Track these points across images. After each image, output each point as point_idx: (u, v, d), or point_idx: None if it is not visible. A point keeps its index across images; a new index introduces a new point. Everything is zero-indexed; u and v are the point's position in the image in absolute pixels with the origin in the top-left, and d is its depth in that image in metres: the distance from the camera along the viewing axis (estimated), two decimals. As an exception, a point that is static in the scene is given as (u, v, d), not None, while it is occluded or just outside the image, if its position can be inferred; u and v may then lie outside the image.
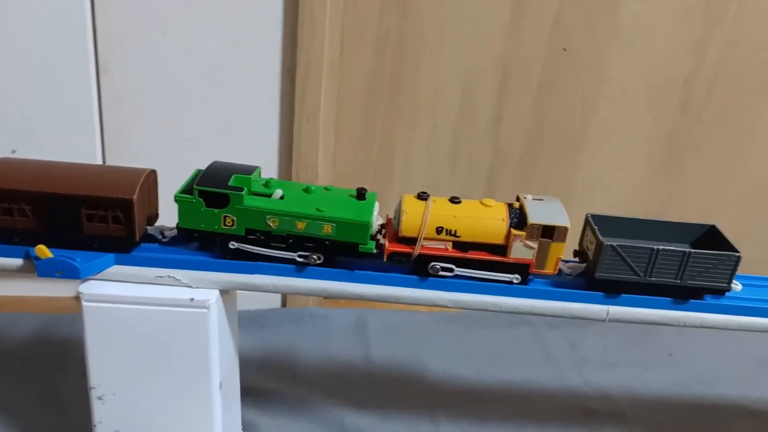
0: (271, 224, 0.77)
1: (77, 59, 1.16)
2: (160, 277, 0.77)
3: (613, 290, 0.82)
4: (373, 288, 0.79)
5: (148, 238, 0.80)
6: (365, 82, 1.33)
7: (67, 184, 0.73)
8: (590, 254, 0.82)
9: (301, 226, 0.77)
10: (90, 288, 0.76)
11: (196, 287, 0.77)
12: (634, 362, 1.36)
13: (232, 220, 0.77)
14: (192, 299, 0.76)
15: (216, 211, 0.76)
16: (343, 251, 0.79)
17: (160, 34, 1.18)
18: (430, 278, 0.80)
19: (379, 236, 0.81)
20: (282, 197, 0.78)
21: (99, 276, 0.77)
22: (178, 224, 0.77)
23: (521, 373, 1.30)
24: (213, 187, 0.75)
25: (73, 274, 0.74)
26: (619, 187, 1.48)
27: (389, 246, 0.79)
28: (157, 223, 0.83)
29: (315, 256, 0.78)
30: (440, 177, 1.43)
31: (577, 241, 0.87)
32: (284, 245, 0.78)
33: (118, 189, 0.74)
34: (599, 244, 0.79)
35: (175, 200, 0.76)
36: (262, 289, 0.79)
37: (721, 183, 1.49)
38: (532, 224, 0.78)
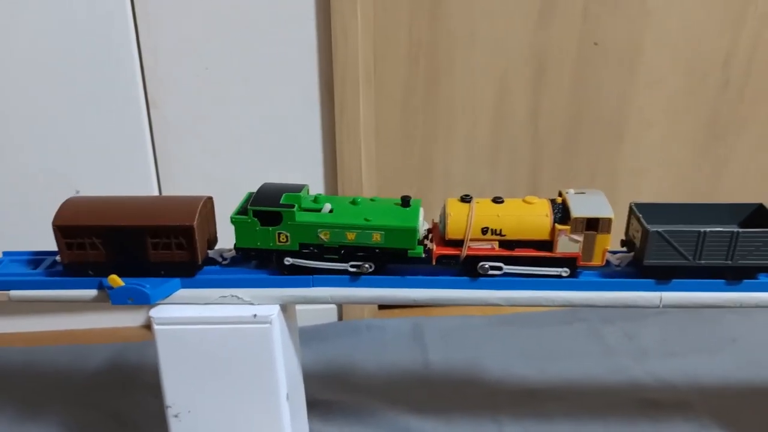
0: (322, 237, 0.81)
1: (128, 98, 1.24)
2: (224, 296, 0.81)
3: (663, 276, 0.82)
4: (425, 292, 0.82)
5: (210, 261, 0.84)
6: (401, 89, 1.36)
7: (132, 216, 0.78)
8: (637, 242, 0.83)
9: (351, 236, 0.81)
10: (160, 312, 0.80)
11: (258, 304, 0.81)
12: (696, 350, 1.35)
13: (286, 237, 0.80)
14: (255, 315, 0.80)
15: (271, 229, 0.80)
16: (393, 258, 0.82)
17: (202, 68, 1.24)
18: (481, 278, 0.82)
19: (426, 241, 0.84)
20: (331, 211, 0.82)
21: (167, 300, 0.81)
22: (235, 245, 0.81)
23: (581, 369, 1.29)
24: (266, 206, 0.79)
25: (144, 299, 0.79)
26: (663, 173, 1.47)
27: (437, 249, 0.81)
28: (216, 246, 0.87)
29: (367, 265, 0.81)
30: (482, 176, 1.45)
31: (623, 231, 0.88)
32: (337, 257, 0.82)
33: (179, 217, 0.78)
34: (645, 232, 0.80)
35: (232, 222, 0.80)
36: (320, 301, 0.82)
37: (766, 162, 1.47)
38: (576, 218, 0.79)
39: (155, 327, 0.80)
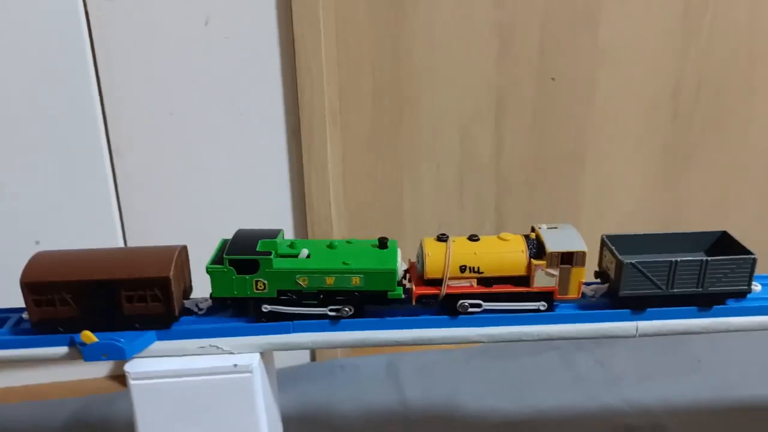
0: (301, 283, 0.80)
1: (91, 145, 1.21)
2: (202, 347, 0.79)
3: (638, 306, 0.84)
4: (407, 332, 0.82)
5: (186, 312, 0.83)
6: (367, 130, 1.37)
7: (105, 269, 0.76)
8: (611, 274, 0.85)
9: (330, 281, 0.80)
10: (136, 366, 0.78)
11: (238, 353, 0.80)
12: (667, 373, 1.37)
13: (264, 284, 0.79)
14: (235, 365, 0.78)
15: (248, 277, 0.79)
16: (372, 300, 0.81)
17: (167, 113, 1.23)
18: (460, 316, 0.82)
19: (404, 281, 0.84)
20: (308, 256, 0.81)
21: (143, 353, 0.79)
22: (211, 294, 0.80)
23: (556, 398, 1.31)
24: (242, 254, 0.78)
25: (119, 355, 0.76)
26: (624, 202, 1.51)
27: (417, 289, 0.82)
28: (192, 296, 0.85)
29: (346, 309, 0.81)
30: (450, 214, 1.46)
31: (596, 262, 0.90)
32: (316, 301, 0.81)
33: (155, 268, 0.77)
34: (619, 263, 0.81)
35: (207, 272, 0.79)
36: (301, 347, 0.81)
37: (721, 186, 1.52)
38: (551, 252, 0.81)
39: (131, 382, 0.77)
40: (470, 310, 0.82)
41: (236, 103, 1.25)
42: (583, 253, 0.81)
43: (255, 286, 0.79)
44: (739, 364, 1.39)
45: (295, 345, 0.81)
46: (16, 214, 1.23)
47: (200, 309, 0.83)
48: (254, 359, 0.79)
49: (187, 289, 0.84)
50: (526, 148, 1.43)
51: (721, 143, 1.48)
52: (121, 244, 1.27)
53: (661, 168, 1.49)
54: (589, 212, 1.51)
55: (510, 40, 1.34)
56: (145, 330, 0.79)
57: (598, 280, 0.89)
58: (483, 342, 0.83)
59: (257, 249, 0.79)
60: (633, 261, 0.80)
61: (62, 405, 1.30)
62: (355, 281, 0.80)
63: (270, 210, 1.34)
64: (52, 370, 1.39)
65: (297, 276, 0.80)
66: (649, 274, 0.82)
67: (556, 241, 0.82)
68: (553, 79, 1.38)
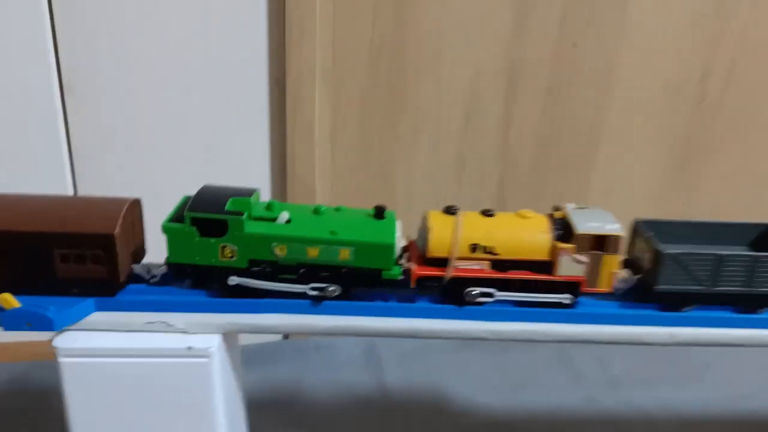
0: (278, 252, 0.66)
1: (39, 78, 1.04)
2: (151, 323, 0.66)
3: (675, 304, 0.72)
4: (402, 322, 0.68)
5: (135, 279, 0.68)
6: (360, 91, 1.23)
7: (35, 220, 0.62)
8: (644, 265, 0.72)
9: (313, 252, 0.66)
10: (67, 341, 0.64)
11: (194, 333, 0.66)
12: (670, 378, 1.27)
13: (232, 251, 0.65)
14: (190, 348, 0.65)
15: (212, 240, 0.65)
16: (363, 280, 0.67)
17: (132, 48, 1.07)
18: (467, 306, 0.69)
19: (401, 261, 0.70)
20: (288, 221, 0.67)
21: (77, 326, 0.65)
22: (167, 259, 0.66)
23: (551, 398, 1.21)
24: (208, 212, 0.64)
25: (45, 325, 0.63)
26: (636, 191, 1.41)
27: (417, 270, 0.68)
28: (144, 260, 0.71)
29: (332, 288, 0.67)
30: (446, 189, 1.34)
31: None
32: (294, 276, 0.67)
33: (97, 223, 0.63)
34: (657, 254, 0.69)
35: (163, 230, 0.65)
36: (272, 330, 0.68)
37: (744, 182, 1.41)
38: (581, 234, 0.68)
39: (60, 359, 0.64)
40: (480, 299, 0.68)
41: (213, 43, 1.10)
42: (619, 238, 0.68)
43: (221, 253, 0.65)
44: (750, 372, 1.28)
45: (266, 328, 0.67)
46: None
47: (152, 276, 0.69)
48: (213, 342, 0.65)
49: (138, 252, 0.69)
50: (536, 127, 1.32)
51: (747, 135, 1.36)
52: (70, 193, 1.11)
53: (680, 158, 1.39)
54: (599, 201, 1.38)
55: (530, 3, 1.20)
56: (84, 297, 0.64)
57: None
58: (491, 339, 0.69)
59: (226, 208, 0.65)
60: (674, 251, 0.67)
61: None
62: (344, 255, 0.66)
63: (244, 171, 1.21)
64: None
65: (273, 243, 0.66)
66: (691, 268, 0.69)
67: (586, 222, 0.69)
68: (575, 44, 1.24)
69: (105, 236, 0.62)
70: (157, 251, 0.70)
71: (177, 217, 0.66)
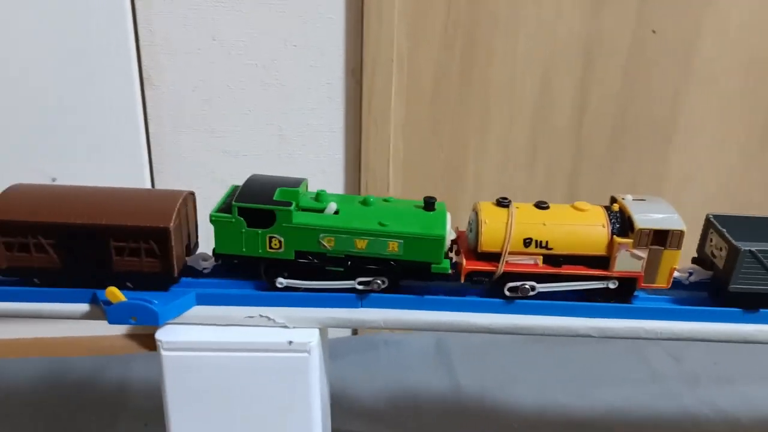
0: (326, 244, 0.65)
1: (119, 72, 1.08)
2: (251, 317, 0.66)
3: (750, 305, 0.67)
4: (452, 316, 0.67)
5: (188, 271, 0.69)
6: (433, 78, 1.21)
7: (92, 212, 0.64)
8: (718, 262, 0.67)
9: (361, 244, 0.65)
10: (170, 334, 0.65)
11: (294, 327, 0.66)
12: (753, 377, 1.18)
13: (279, 242, 0.65)
14: (290, 342, 0.64)
15: (260, 231, 0.65)
16: (411, 273, 0.66)
17: (209, 38, 1.09)
18: (518, 300, 0.66)
19: (450, 253, 0.68)
20: (337, 212, 0.66)
21: (179, 319, 0.66)
22: (214, 250, 0.66)
23: (627, 395, 1.16)
24: (255, 203, 0.64)
25: (151, 319, 0.63)
26: (711, 181, 1.33)
27: (467, 264, 0.66)
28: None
29: (379, 281, 0.66)
30: (517, 178, 1.30)
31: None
32: (342, 269, 0.66)
33: (152, 217, 0.64)
34: (734, 250, 0.64)
35: (211, 221, 0.65)
36: (370, 325, 0.67)
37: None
38: (641, 229, 0.64)
39: (163, 353, 0.64)
40: (531, 294, 0.65)
41: (290, 31, 1.10)
42: (681, 233, 0.65)
43: (268, 244, 0.65)
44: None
45: (363, 323, 0.67)
46: (33, 148, 1.10)
47: (204, 268, 0.69)
48: (313, 336, 0.65)
49: (192, 244, 0.70)
50: (611, 111, 1.26)
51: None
52: (149, 187, 1.15)
53: (758, 146, 1.30)
54: (670, 190, 1.32)
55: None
56: (139, 290, 0.66)
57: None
58: (545, 334, 0.66)
59: (274, 198, 0.65)
60: (753, 248, 0.62)
61: (72, 364, 1.19)
62: (393, 247, 0.65)
63: (317, 161, 1.20)
64: (63, 323, 1.26)
65: (321, 235, 0.65)
66: (770, 266, 0.64)
67: (647, 216, 0.65)
68: (654, 31, 1.17)
69: (160, 229, 0.63)
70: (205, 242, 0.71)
71: (225, 206, 0.66)
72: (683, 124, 1.27)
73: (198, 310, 0.66)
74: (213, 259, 0.67)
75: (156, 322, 0.64)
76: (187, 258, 0.69)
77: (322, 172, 1.22)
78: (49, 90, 1.07)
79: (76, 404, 1.10)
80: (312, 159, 1.21)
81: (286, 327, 0.66)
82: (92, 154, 1.11)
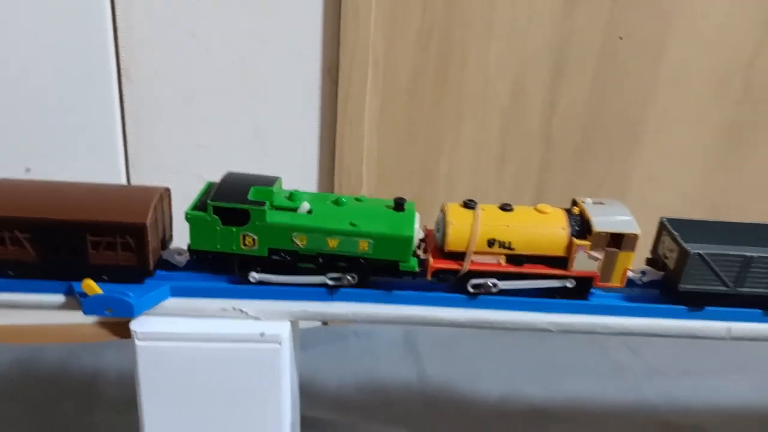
0: (298, 242, 0.68)
1: (97, 66, 1.09)
2: (225, 309, 0.68)
3: (698, 303, 0.71)
4: (417, 310, 0.70)
5: (163, 264, 0.71)
6: (408, 79, 1.24)
7: (69, 208, 0.65)
8: (669, 263, 0.71)
9: (333, 243, 0.68)
10: (144, 325, 0.66)
11: (266, 320, 0.68)
12: (710, 371, 1.24)
13: (253, 240, 0.68)
14: (262, 334, 0.67)
15: (234, 229, 0.67)
16: (380, 271, 0.69)
17: (188, 34, 1.10)
18: (482, 296, 0.70)
19: (419, 251, 0.71)
20: (309, 211, 0.69)
21: (153, 311, 0.68)
22: (189, 246, 0.69)
23: (589, 385, 1.20)
24: (230, 202, 0.67)
25: (126, 311, 0.65)
26: (677, 182, 1.38)
27: (434, 262, 0.69)
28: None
29: (349, 277, 0.69)
30: (487, 178, 1.34)
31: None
32: (313, 265, 0.69)
33: (129, 213, 0.65)
34: (683, 253, 0.68)
35: (187, 219, 0.67)
36: (341, 318, 0.70)
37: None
38: (599, 232, 0.68)
39: (138, 343, 0.66)
40: (493, 290, 0.69)
41: (269, 30, 1.12)
42: (635, 236, 0.68)
43: (242, 241, 0.68)
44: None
45: (334, 316, 0.70)
46: (7, 137, 1.10)
47: (179, 262, 0.71)
48: (284, 329, 0.67)
49: (166, 239, 0.72)
50: (581, 112, 1.29)
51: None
52: (124, 182, 1.16)
53: (726, 148, 1.34)
54: (636, 190, 1.36)
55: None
56: (114, 283, 0.67)
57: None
58: (505, 328, 0.70)
59: (248, 197, 0.67)
60: (701, 251, 0.66)
61: (44, 351, 1.20)
62: (363, 246, 0.68)
63: (292, 159, 1.22)
64: (33, 312, 1.28)
65: (294, 234, 0.68)
66: (717, 269, 0.68)
67: (604, 220, 0.69)
68: (620, 38, 1.21)
69: (136, 225, 0.65)
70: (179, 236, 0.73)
71: (200, 204, 0.68)
72: (652, 126, 1.31)
73: (172, 302, 0.68)
74: (188, 253, 0.70)
75: (131, 314, 0.65)
76: (162, 252, 0.71)
77: (297, 168, 1.24)
78: (25, 83, 1.08)
79: (49, 393, 1.11)
80: (287, 156, 1.23)
81: (258, 319, 0.68)
82: (68, 148, 1.12)
